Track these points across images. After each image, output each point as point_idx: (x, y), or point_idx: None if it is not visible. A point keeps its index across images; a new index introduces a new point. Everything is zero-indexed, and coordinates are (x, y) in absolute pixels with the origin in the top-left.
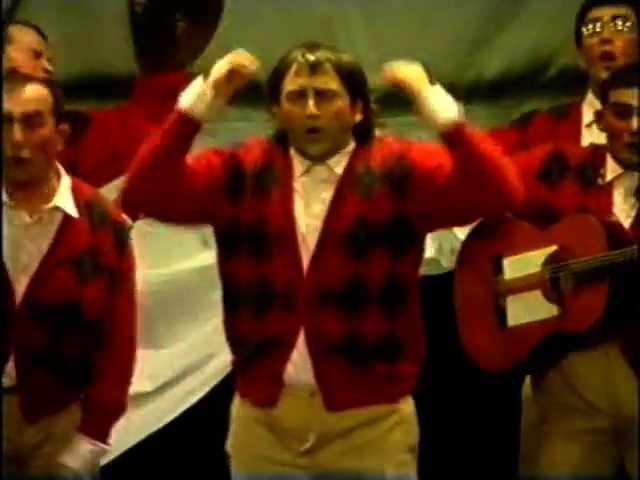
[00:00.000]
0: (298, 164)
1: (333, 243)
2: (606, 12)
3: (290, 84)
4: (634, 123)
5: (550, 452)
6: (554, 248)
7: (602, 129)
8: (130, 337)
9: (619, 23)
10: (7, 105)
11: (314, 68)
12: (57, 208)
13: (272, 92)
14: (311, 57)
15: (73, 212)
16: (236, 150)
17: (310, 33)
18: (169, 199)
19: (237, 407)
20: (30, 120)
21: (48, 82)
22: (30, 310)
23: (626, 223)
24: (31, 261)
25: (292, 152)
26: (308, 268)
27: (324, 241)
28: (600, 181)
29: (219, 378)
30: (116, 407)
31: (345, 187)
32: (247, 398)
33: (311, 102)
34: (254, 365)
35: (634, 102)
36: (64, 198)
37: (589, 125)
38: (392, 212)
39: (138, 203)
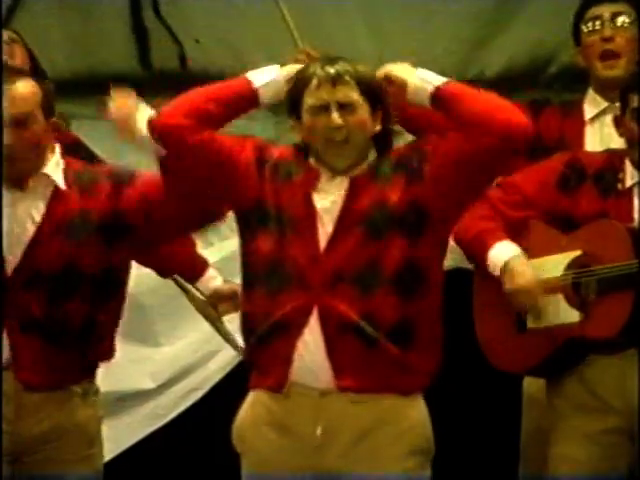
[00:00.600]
0: (321, 174)
1: (350, 226)
2: (605, 10)
3: (311, 98)
4: None
5: (565, 453)
6: (578, 252)
7: (621, 134)
8: None
9: (619, 20)
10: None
11: (335, 81)
12: (47, 177)
13: (292, 106)
14: (331, 70)
15: (61, 183)
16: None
17: (310, 31)
18: (200, 151)
19: (247, 401)
20: (20, 121)
21: (36, 76)
22: (25, 280)
23: None
24: (24, 232)
25: (312, 162)
26: (325, 249)
27: (342, 223)
28: (620, 187)
29: (221, 375)
30: None
31: (363, 176)
32: (257, 386)
33: (335, 114)
34: (266, 347)
35: None
36: (53, 170)
37: (591, 122)
38: (407, 197)
39: (171, 132)
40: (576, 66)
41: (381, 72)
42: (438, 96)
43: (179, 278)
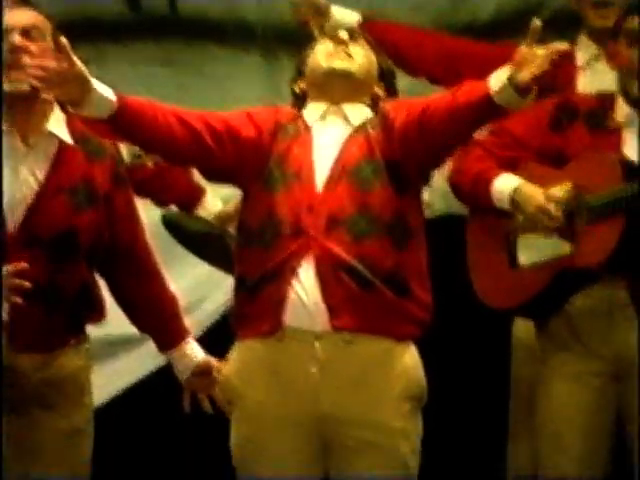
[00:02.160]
0: (313, 111)
1: (341, 176)
2: None
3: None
4: None
5: (553, 393)
6: (569, 185)
7: (613, 66)
8: (150, 262)
9: None
10: (5, 19)
11: (349, 38)
12: (52, 135)
13: (299, 70)
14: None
15: (68, 139)
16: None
17: None
18: None
19: (234, 351)
20: (29, 32)
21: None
22: (26, 241)
23: None
24: (27, 191)
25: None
26: (319, 197)
27: (333, 175)
28: (610, 124)
29: (211, 321)
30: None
31: (353, 134)
32: (247, 335)
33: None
34: (258, 295)
35: None
36: (57, 126)
37: (583, 68)
38: (386, 154)
39: None
40: (568, 10)
41: None
42: None
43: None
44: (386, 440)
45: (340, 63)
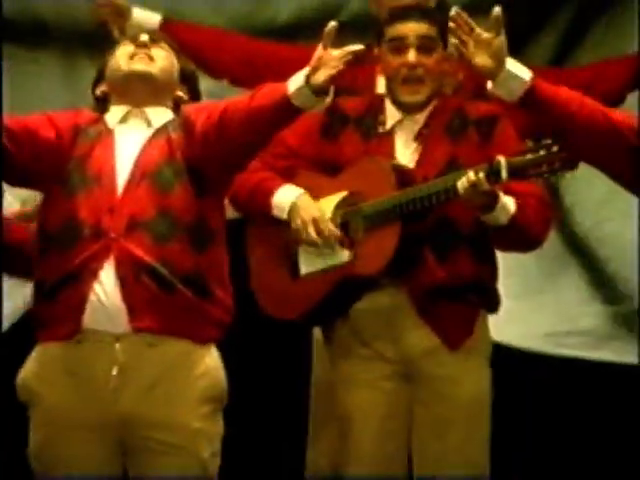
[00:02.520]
0: (115, 114)
1: (141, 179)
2: (410, 31)
3: None
4: (411, 55)
5: (347, 400)
6: (344, 193)
7: (383, 70)
8: None
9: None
10: None
11: (150, 41)
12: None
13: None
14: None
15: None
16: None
17: None
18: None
19: (33, 355)
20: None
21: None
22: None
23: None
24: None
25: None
26: (119, 200)
27: (134, 177)
28: (381, 129)
29: (8, 324)
30: None
31: (154, 137)
32: (46, 339)
33: None
34: (56, 298)
35: (410, 33)
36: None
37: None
38: (186, 156)
39: None
40: (367, 14)
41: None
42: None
43: None
44: (185, 442)
45: (140, 66)
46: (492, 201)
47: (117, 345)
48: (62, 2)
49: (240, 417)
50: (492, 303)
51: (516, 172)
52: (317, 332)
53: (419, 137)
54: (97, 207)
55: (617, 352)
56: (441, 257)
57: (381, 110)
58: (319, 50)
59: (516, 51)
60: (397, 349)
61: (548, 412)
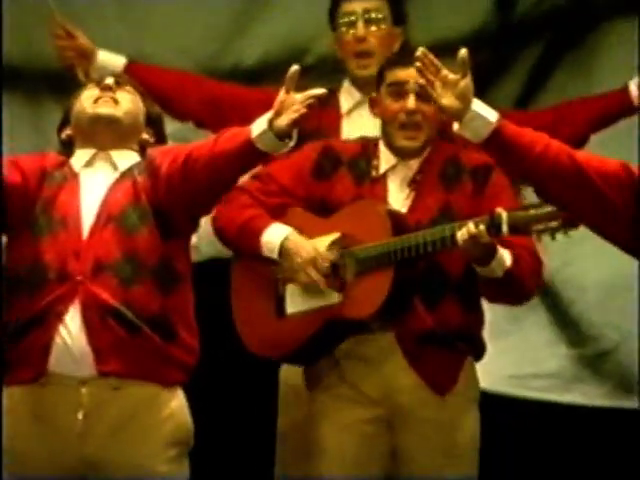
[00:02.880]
0: (80, 158)
1: (107, 221)
2: (357, 6)
3: None
4: (411, 101)
5: (325, 445)
6: (337, 235)
7: (376, 114)
8: None
9: (372, 16)
10: None
11: (115, 84)
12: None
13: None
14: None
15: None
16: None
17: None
18: None
19: (5, 401)
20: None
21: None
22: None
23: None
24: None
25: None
26: (85, 243)
27: (99, 220)
28: (374, 173)
29: None
30: None
31: (119, 180)
32: (11, 382)
33: None
34: (22, 341)
35: (410, 80)
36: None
37: (347, 115)
38: (152, 203)
39: None
40: (332, 56)
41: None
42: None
43: None
44: None
45: (105, 109)
46: (490, 254)
47: (82, 389)
48: (29, 45)
49: (206, 459)
50: (478, 350)
51: (517, 227)
52: (284, 375)
53: (413, 183)
54: (63, 250)
55: (583, 395)
56: (430, 305)
57: (375, 154)
58: (282, 94)
59: (480, 92)
60: (383, 392)
61: (513, 454)
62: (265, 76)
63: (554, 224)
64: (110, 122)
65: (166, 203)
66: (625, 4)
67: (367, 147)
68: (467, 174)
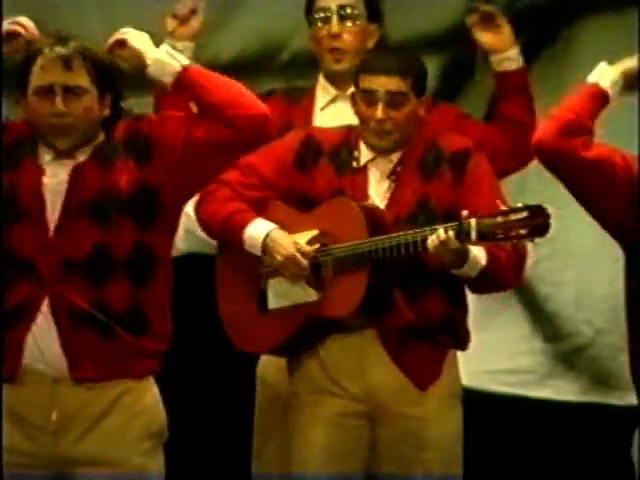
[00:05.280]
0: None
1: (77, 212)
2: (332, 3)
3: (37, 78)
4: (379, 111)
5: (307, 438)
6: (315, 232)
7: (355, 113)
8: None
9: (347, 12)
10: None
11: (65, 63)
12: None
13: (18, 83)
14: (62, 51)
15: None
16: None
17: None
18: None
19: None
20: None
21: None
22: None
23: (382, 204)
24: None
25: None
26: (52, 237)
27: (68, 210)
28: (355, 164)
29: None
30: None
31: (87, 161)
32: None
33: (59, 100)
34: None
35: (380, 89)
36: None
37: (323, 109)
38: (135, 182)
39: None
40: (308, 52)
41: (114, 37)
42: (184, 77)
43: None
44: (127, 477)
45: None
46: (462, 258)
47: (56, 387)
48: None
49: (181, 452)
50: (462, 341)
51: (485, 234)
52: (261, 371)
53: (392, 175)
54: (30, 244)
55: (558, 390)
56: (411, 298)
57: (356, 145)
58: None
59: (458, 87)
60: (364, 387)
61: (488, 450)
62: (241, 71)
63: (522, 232)
64: (66, 129)
65: (165, 178)
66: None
67: (349, 136)
68: (446, 163)
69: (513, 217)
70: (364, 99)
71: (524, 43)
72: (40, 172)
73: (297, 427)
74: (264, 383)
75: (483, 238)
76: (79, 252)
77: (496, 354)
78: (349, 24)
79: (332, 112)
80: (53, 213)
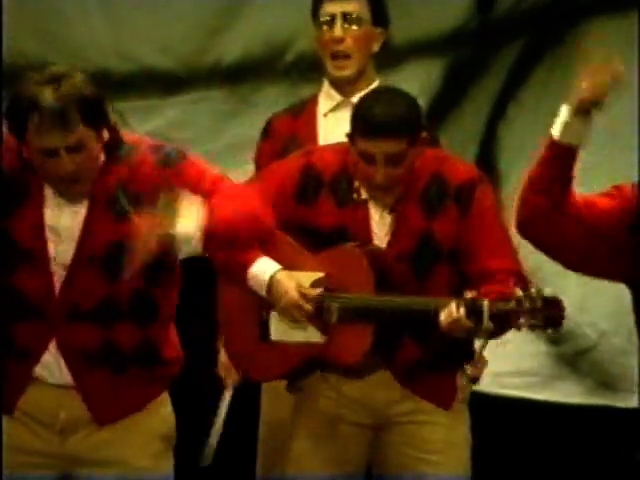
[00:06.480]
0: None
1: (87, 263)
2: (337, 8)
3: (37, 139)
4: (379, 174)
5: (305, 447)
6: (321, 274)
7: (353, 165)
8: None
9: (351, 18)
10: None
11: (64, 124)
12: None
13: (15, 128)
14: (55, 106)
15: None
16: None
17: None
18: None
19: None
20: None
21: None
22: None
23: (385, 239)
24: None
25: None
26: (61, 286)
27: (78, 261)
28: (355, 197)
29: None
30: None
31: (98, 205)
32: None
33: (66, 160)
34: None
35: (378, 152)
36: None
37: (326, 115)
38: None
39: None
40: (312, 54)
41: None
42: None
43: None
44: (134, 478)
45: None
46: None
47: (66, 392)
48: None
49: (190, 456)
50: (468, 356)
51: (497, 318)
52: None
53: (394, 210)
54: (36, 283)
55: (561, 392)
56: (419, 339)
57: (355, 175)
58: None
59: (462, 90)
60: (371, 409)
61: (492, 452)
62: (245, 73)
63: (534, 322)
64: (76, 181)
65: None
66: (604, 1)
67: (347, 167)
68: (451, 197)
69: (527, 305)
70: (363, 158)
71: (527, 44)
72: (43, 213)
73: (296, 433)
74: (269, 387)
75: (494, 320)
76: (87, 303)
77: (500, 356)
78: (354, 27)
79: (335, 119)
80: (57, 258)
